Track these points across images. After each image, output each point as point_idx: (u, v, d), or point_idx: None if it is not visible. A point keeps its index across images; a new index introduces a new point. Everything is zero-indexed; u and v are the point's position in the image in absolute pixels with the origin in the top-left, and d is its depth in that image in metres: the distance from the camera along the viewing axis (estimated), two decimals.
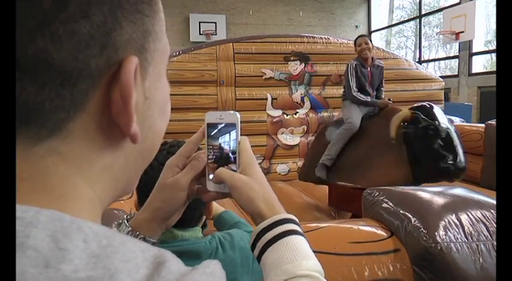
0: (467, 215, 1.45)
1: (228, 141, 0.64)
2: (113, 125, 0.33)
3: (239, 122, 0.63)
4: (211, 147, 0.64)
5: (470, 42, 7.34)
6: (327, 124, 3.86)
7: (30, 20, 0.28)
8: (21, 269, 0.24)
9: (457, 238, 1.37)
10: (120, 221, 0.66)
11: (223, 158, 0.64)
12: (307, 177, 3.60)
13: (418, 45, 9.85)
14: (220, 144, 0.64)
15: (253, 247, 0.59)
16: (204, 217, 0.92)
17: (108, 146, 0.34)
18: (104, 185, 0.35)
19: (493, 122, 3.80)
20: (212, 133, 0.64)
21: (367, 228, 1.54)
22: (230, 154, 0.63)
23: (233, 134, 0.63)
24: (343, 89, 3.65)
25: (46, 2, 0.28)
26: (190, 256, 0.80)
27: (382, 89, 3.67)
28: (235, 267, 0.84)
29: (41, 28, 0.28)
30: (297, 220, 0.61)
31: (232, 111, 0.64)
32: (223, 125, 0.64)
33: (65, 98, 0.30)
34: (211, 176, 0.64)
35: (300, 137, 4.59)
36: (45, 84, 0.29)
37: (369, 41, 3.51)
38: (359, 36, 3.60)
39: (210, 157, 0.64)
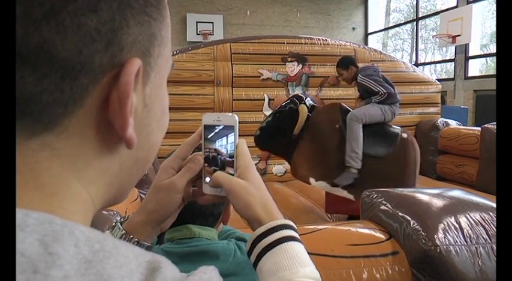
0: (467, 218, 1.44)
1: (225, 144, 0.62)
2: (110, 127, 0.32)
3: (237, 124, 0.62)
4: (208, 149, 0.63)
5: (466, 46, 7.37)
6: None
7: (36, 8, 0.27)
8: None
9: (456, 241, 1.37)
10: (114, 224, 0.65)
11: (220, 161, 0.62)
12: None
13: (414, 48, 9.88)
14: (217, 147, 0.62)
15: (249, 252, 0.59)
16: (222, 222, 0.90)
17: (104, 148, 0.33)
18: (98, 188, 0.34)
19: (489, 125, 3.81)
20: (209, 135, 0.63)
21: (366, 230, 1.53)
22: (227, 157, 0.62)
23: (231, 137, 0.62)
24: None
25: None
26: (208, 257, 0.79)
27: None
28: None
29: (47, 17, 0.28)
30: (295, 226, 0.60)
31: (230, 114, 0.62)
32: (221, 127, 0.62)
33: (64, 92, 0.29)
34: (207, 179, 0.62)
35: None
36: (45, 75, 0.28)
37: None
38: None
39: (206, 159, 0.63)
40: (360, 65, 4.59)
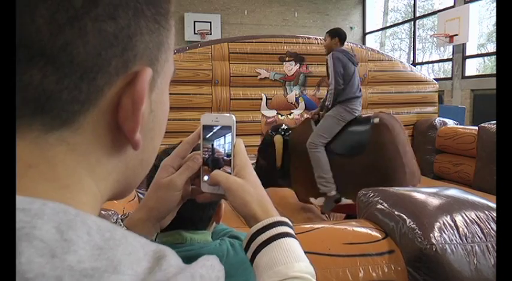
0: (462, 217, 1.45)
1: (223, 143, 0.64)
2: (119, 129, 0.35)
3: (235, 125, 0.64)
4: (206, 149, 0.65)
5: (463, 45, 7.38)
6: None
7: (62, 13, 0.30)
8: (29, 258, 0.25)
9: (452, 240, 1.38)
10: (115, 220, 0.67)
11: (218, 160, 0.64)
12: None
13: (412, 47, 9.89)
14: (215, 146, 0.65)
15: (246, 249, 0.61)
16: (214, 222, 0.90)
17: (113, 148, 0.36)
18: (106, 184, 0.36)
19: (486, 124, 3.83)
20: (208, 135, 0.65)
21: (362, 229, 1.54)
22: (225, 156, 0.64)
23: (228, 136, 0.64)
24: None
25: (78, 0, 0.30)
26: None
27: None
28: (248, 269, 0.83)
29: (71, 22, 0.30)
30: (291, 223, 0.62)
31: (228, 114, 0.65)
32: (219, 127, 0.64)
33: (82, 91, 0.32)
34: (205, 178, 0.64)
35: None
36: (66, 75, 0.31)
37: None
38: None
39: (205, 158, 0.65)
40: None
